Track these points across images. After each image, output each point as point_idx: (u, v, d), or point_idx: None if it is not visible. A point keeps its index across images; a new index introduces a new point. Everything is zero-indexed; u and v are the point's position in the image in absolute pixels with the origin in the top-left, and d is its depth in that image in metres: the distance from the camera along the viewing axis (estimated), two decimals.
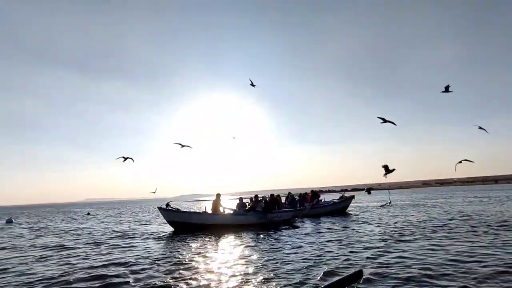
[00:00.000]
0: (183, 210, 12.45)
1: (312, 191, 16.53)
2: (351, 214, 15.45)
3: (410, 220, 11.55)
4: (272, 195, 13.92)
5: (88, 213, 29.24)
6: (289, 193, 16.28)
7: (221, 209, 12.33)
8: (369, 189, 13.52)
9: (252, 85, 12.89)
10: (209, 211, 12.14)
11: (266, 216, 12.15)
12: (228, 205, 13.47)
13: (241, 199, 13.85)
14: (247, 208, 12.90)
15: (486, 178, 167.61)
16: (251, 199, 13.76)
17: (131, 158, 14.06)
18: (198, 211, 12.20)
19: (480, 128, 10.87)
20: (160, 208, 11.97)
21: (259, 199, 13.03)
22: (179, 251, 7.30)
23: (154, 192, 17.83)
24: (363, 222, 11.56)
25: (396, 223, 10.86)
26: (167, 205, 12.03)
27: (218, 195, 12.64)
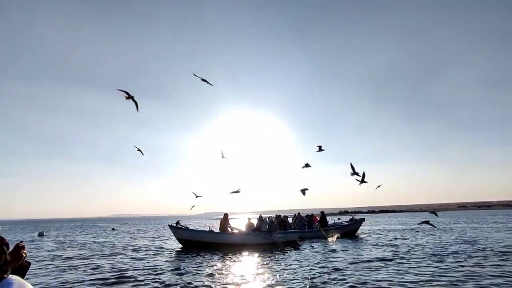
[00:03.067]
0: (192, 228, 13.08)
1: (322, 212, 16.56)
2: (361, 237, 15.24)
3: (418, 243, 11.31)
4: (278, 216, 14.21)
5: (113, 229, 30.79)
6: (297, 214, 16.42)
7: (229, 229, 12.86)
8: (433, 212, 13.87)
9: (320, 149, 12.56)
10: (217, 230, 12.73)
11: (271, 236, 12.45)
12: (238, 225, 13.92)
13: (249, 219, 14.28)
14: (253, 228, 13.28)
15: None
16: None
17: (141, 151, 14.37)
18: (205, 229, 12.81)
19: None
20: (170, 226, 12.74)
21: (264, 219, 13.39)
22: (181, 267, 7.90)
23: (191, 209, 18.44)
24: (371, 245, 11.49)
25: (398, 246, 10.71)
26: (177, 223, 12.76)
27: (226, 215, 13.20)
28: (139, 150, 14.46)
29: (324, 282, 5.88)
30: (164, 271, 7.49)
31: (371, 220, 40.38)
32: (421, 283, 5.60)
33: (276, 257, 9.28)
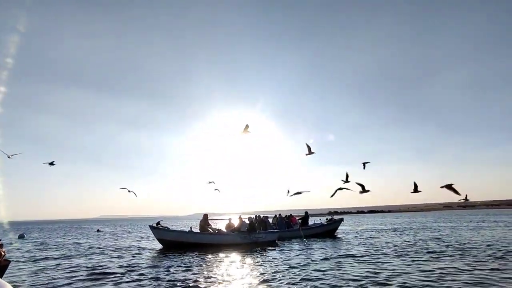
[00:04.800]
0: (172, 229, 13.24)
1: (306, 212, 16.98)
2: (339, 236, 15.70)
3: (387, 241, 11.79)
4: (258, 216, 14.51)
5: (98, 230, 30.51)
6: (276, 214, 16.77)
7: (209, 229, 13.09)
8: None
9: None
10: (197, 230, 12.95)
11: (250, 236, 12.74)
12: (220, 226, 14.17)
13: (230, 219, 14.54)
14: (233, 228, 13.54)
15: (511, 202, 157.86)
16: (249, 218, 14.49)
17: (134, 193, 14.91)
18: (185, 230, 13.02)
19: None
20: (151, 227, 12.89)
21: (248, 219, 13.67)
22: (158, 267, 8.10)
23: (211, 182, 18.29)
24: (345, 243, 11.91)
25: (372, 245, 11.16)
26: (158, 223, 12.92)
27: (206, 216, 13.45)
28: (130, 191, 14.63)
29: (299, 279, 6.17)
30: (140, 270, 7.67)
31: (355, 221, 41.19)
32: (380, 277, 5.99)
33: (254, 256, 9.55)
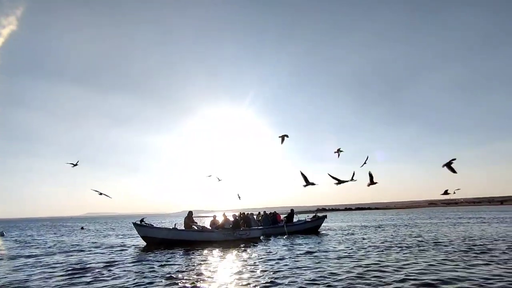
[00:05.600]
0: (156, 226, 13.17)
1: (291, 210, 17.20)
2: (323, 233, 15.98)
3: (367, 238, 12.10)
4: (242, 213, 14.60)
5: (82, 228, 30.01)
6: (261, 212, 16.92)
7: (194, 227, 13.10)
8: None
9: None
10: (181, 227, 12.96)
11: (233, 233, 12.82)
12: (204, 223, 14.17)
13: (214, 216, 14.59)
14: (217, 225, 13.60)
15: (493, 199, 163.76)
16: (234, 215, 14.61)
17: (106, 195, 14.55)
18: (169, 227, 12.99)
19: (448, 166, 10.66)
20: (134, 224, 12.79)
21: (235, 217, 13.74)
22: (139, 263, 8.07)
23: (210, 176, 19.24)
24: (327, 240, 12.14)
25: (355, 242, 11.44)
26: (141, 220, 12.84)
27: (190, 213, 13.46)
28: (101, 194, 14.16)
29: (279, 274, 6.29)
30: (121, 267, 7.64)
31: (342, 218, 41.89)
32: (357, 271, 6.18)
33: (238, 253, 9.63)
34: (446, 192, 11.60)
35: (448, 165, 9.77)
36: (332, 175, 10.54)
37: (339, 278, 5.81)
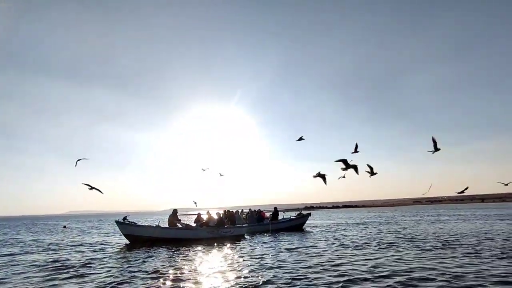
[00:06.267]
0: (139, 224, 13.05)
1: (275, 208, 17.35)
2: (307, 230, 16.22)
3: (348, 235, 12.39)
4: (227, 211, 14.65)
5: (64, 226, 29.36)
6: (249, 209, 17.04)
7: (178, 224, 13.06)
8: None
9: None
10: (166, 225, 12.90)
11: (218, 231, 12.85)
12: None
13: (199, 214, 14.58)
14: (201, 223, 13.60)
15: (474, 196, 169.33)
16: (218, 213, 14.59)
17: (98, 190, 14.25)
18: (152, 225, 12.91)
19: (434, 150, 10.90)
20: (117, 222, 12.64)
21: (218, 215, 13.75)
22: (121, 262, 8.01)
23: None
24: (310, 237, 12.34)
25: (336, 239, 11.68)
26: (124, 218, 12.69)
27: (175, 211, 13.41)
28: (92, 188, 13.82)
29: (261, 270, 6.37)
30: (100, 265, 7.58)
31: (328, 215, 42.50)
32: (336, 267, 6.34)
33: (221, 250, 9.69)
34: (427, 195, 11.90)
35: (435, 145, 10.20)
36: (340, 159, 9.66)
37: (316, 273, 5.96)
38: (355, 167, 9.86)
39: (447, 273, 5.64)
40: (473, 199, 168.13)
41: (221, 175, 20.33)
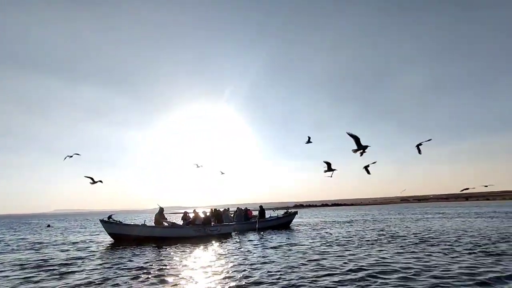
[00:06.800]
0: (124, 223, 12.91)
1: (260, 206, 17.42)
2: (293, 228, 16.39)
3: (332, 232, 12.60)
4: (214, 209, 14.65)
5: (49, 225, 28.72)
6: (237, 208, 17.07)
7: (165, 223, 12.98)
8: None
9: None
10: (152, 224, 12.82)
11: (204, 229, 12.85)
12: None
13: (185, 212, 14.53)
14: (187, 221, 13.56)
15: (459, 195, 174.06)
16: (208, 212, 14.62)
17: (100, 181, 14.20)
18: (138, 224, 12.80)
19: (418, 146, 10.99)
20: (101, 221, 12.49)
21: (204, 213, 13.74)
22: (101, 259, 7.94)
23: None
24: (296, 235, 12.48)
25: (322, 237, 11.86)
26: (109, 217, 12.56)
27: (161, 209, 13.32)
28: (95, 182, 13.72)
29: (246, 268, 6.44)
30: (83, 264, 7.51)
31: (316, 213, 42.96)
32: (319, 263, 6.47)
33: (206, 249, 9.70)
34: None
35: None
36: (352, 133, 8.68)
37: (297, 267, 6.07)
38: (365, 148, 8.96)
39: (416, 267, 5.89)
40: (457, 197, 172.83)
41: (222, 173, 20.41)
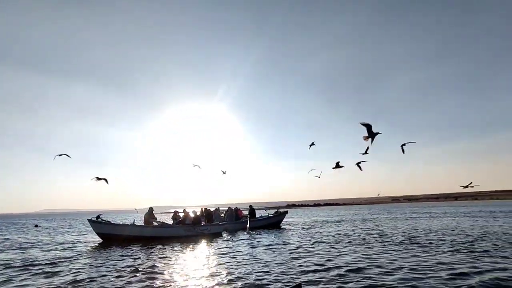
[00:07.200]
0: (113, 222, 12.80)
1: (250, 206, 17.50)
2: (284, 227, 16.51)
3: (321, 232, 12.75)
4: (205, 209, 14.65)
5: (36, 225, 28.21)
6: (228, 207, 17.11)
7: (154, 223, 12.92)
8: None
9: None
10: (141, 223, 12.75)
11: (194, 229, 12.84)
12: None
13: (175, 212, 14.50)
14: (177, 221, 13.54)
15: (449, 195, 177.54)
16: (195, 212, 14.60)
17: (105, 179, 14.04)
18: (127, 223, 12.72)
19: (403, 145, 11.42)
20: (89, 220, 12.37)
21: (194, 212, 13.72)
22: (89, 259, 7.87)
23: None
24: (286, 235, 12.59)
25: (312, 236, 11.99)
26: (98, 217, 12.44)
27: (151, 209, 13.27)
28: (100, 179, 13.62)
29: (234, 266, 6.50)
30: (68, 264, 7.43)
31: (307, 213, 43.28)
32: (304, 261, 6.56)
33: (195, 248, 9.70)
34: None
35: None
36: (364, 122, 8.54)
37: (285, 267, 6.15)
38: (376, 134, 8.84)
39: (397, 264, 6.07)
40: (447, 197, 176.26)
41: (223, 172, 20.45)
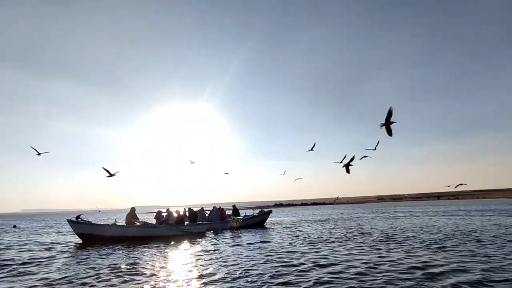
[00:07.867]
0: (93, 223, 12.60)
1: (233, 206, 17.60)
2: (268, 227, 16.68)
3: (304, 230, 12.99)
4: (189, 208, 14.64)
5: (14, 226, 27.35)
6: (213, 207, 17.13)
7: (137, 223, 12.81)
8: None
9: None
10: (123, 223, 12.61)
11: (177, 228, 12.81)
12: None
13: (158, 212, 14.42)
14: (160, 220, 13.47)
15: (431, 194, 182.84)
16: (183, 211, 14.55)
17: (113, 174, 14.00)
18: (108, 223, 12.55)
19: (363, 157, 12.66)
20: (69, 221, 12.14)
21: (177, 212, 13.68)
22: (67, 259, 7.76)
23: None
24: (269, 234, 12.74)
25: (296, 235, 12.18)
26: (78, 217, 12.21)
27: (133, 209, 13.15)
28: (111, 175, 13.60)
29: (217, 266, 6.56)
30: (50, 265, 7.31)
31: (293, 212, 43.69)
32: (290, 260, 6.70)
33: (178, 248, 9.70)
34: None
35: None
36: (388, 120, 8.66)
37: (265, 265, 6.28)
38: (392, 123, 8.96)
39: (373, 261, 6.30)
40: (430, 197, 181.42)
41: (226, 173, 20.77)
